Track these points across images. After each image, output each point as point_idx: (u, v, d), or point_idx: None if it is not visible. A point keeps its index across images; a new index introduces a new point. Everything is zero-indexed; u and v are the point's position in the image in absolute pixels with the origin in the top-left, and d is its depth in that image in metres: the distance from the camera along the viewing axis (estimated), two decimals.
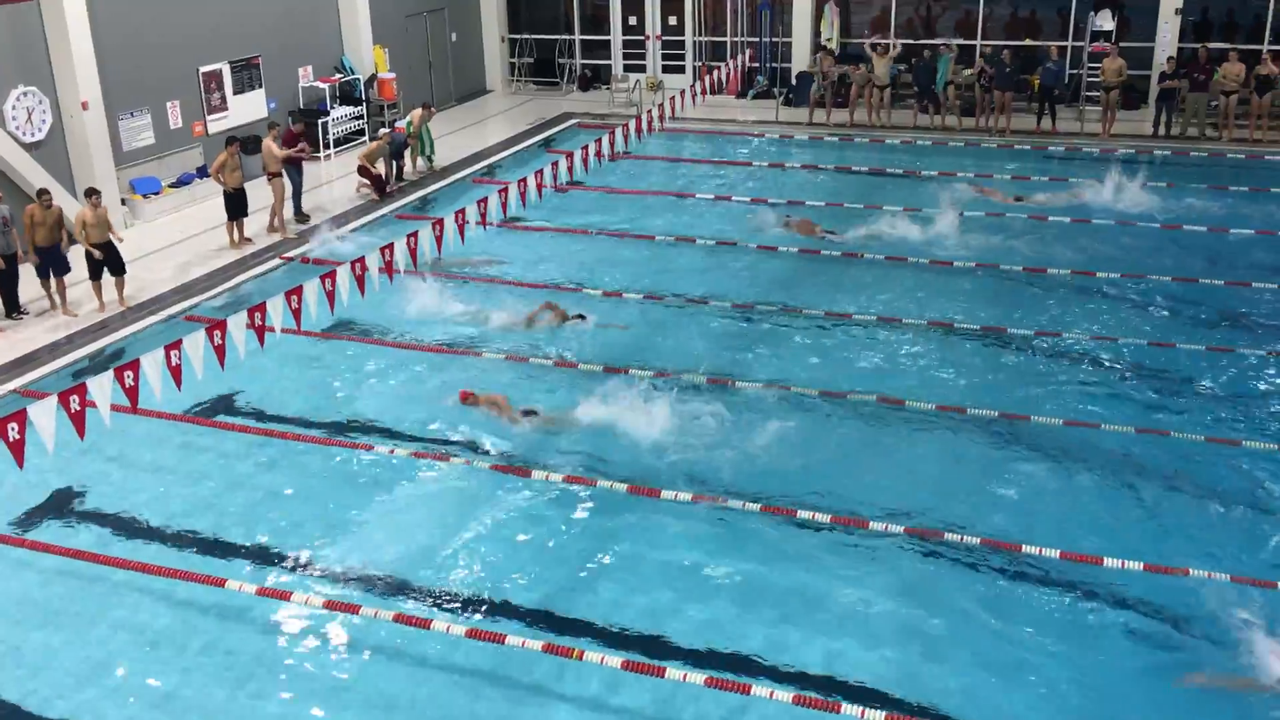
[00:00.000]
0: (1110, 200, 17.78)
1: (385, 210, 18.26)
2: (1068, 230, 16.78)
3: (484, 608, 8.75)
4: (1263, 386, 12.05)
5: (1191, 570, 8.71)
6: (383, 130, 20.03)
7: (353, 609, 8.58)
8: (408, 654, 8.26)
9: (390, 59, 23.47)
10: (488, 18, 27.38)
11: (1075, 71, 23.29)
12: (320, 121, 21.05)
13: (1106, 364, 12.61)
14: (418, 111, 20.44)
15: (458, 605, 8.78)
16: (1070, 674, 7.95)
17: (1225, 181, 19.04)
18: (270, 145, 16.87)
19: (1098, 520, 9.68)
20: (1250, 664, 7.82)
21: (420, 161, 20.51)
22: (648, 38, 27.07)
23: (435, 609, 8.71)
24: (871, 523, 9.49)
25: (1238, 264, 15.43)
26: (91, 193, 14.04)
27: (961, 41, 24.21)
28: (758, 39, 26.12)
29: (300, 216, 17.70)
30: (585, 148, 16.76)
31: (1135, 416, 11.33)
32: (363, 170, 18.83)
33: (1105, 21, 22.70)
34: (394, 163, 19.64)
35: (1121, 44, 22.22)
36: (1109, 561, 8.83)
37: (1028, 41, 23.67)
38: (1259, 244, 16.17)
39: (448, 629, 8.29)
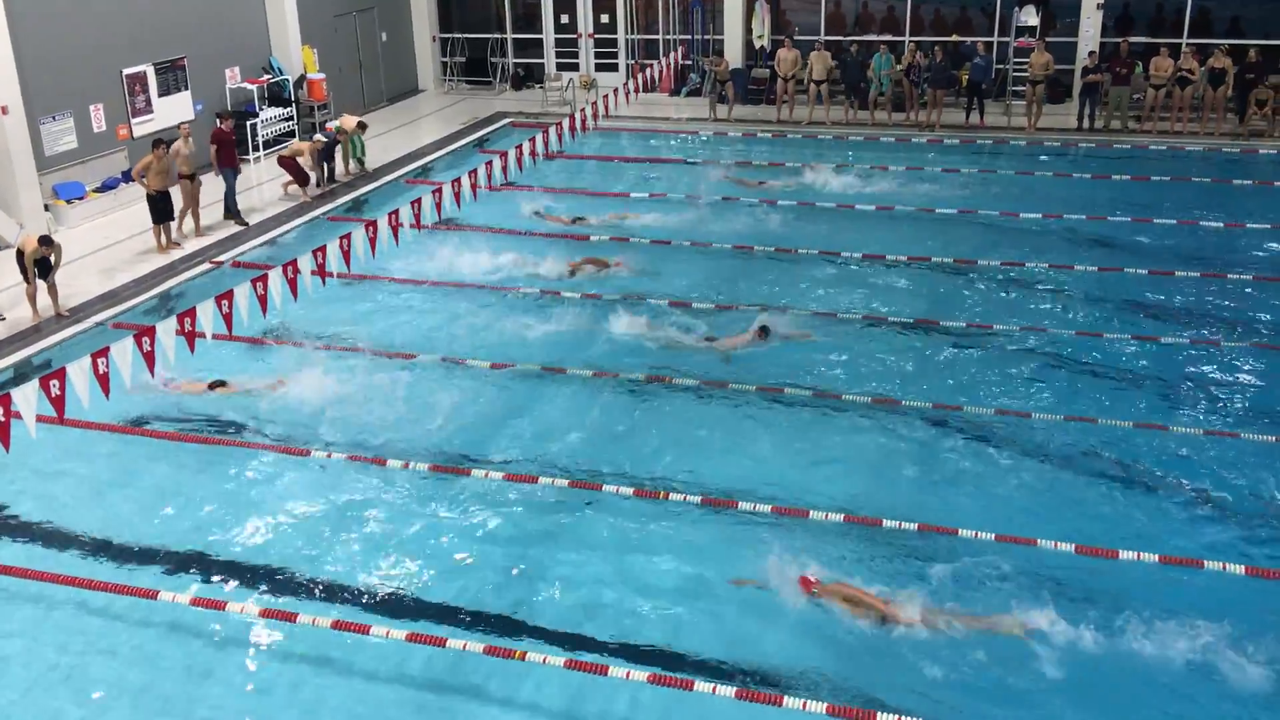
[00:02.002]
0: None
1: (318, 212, 18.04)
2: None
3: (424, 611, 8.66)
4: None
5: (1121, 552, 8.91)
6: (318, 136, 19.74)
7: (289, 616, 8.48)
8: (347, 661, 8.18)
9: (319, 59, 23.21)
10: (418, 17, 27.16)
11: (1002, 66, 23.69)
12: (249, 123, 20.73)
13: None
14: (351, 119, 20.23)
15: (397, 609, 8.69)
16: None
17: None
18: (179, 146, 16.52)
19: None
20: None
21: (351, 164, 20.29)
22: (580, 36, 27.05)
23: (373, 614, 8.61)
24: (812, 513, 9.58)
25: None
26: (47, 241, 13.70)
27: (890, 38, 24.51)
28: (690, 37, 26.22)
29: (238, 219, 17.43)
30: (519, 147, 16.70)
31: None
32: (284, 161, 18.53)
33: (1030, 17, 23.14)
34: (324, 165, 19.42)
35: (1046, 39, 22.64)
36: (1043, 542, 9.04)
37: (955, 38, 24.03)
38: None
39: (387, 634, 8.22)
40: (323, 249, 12.24)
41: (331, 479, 10.45)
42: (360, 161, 20.36)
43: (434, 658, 8.08)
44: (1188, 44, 22.51)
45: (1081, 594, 8.57)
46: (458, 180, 14.77)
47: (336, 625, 8.31)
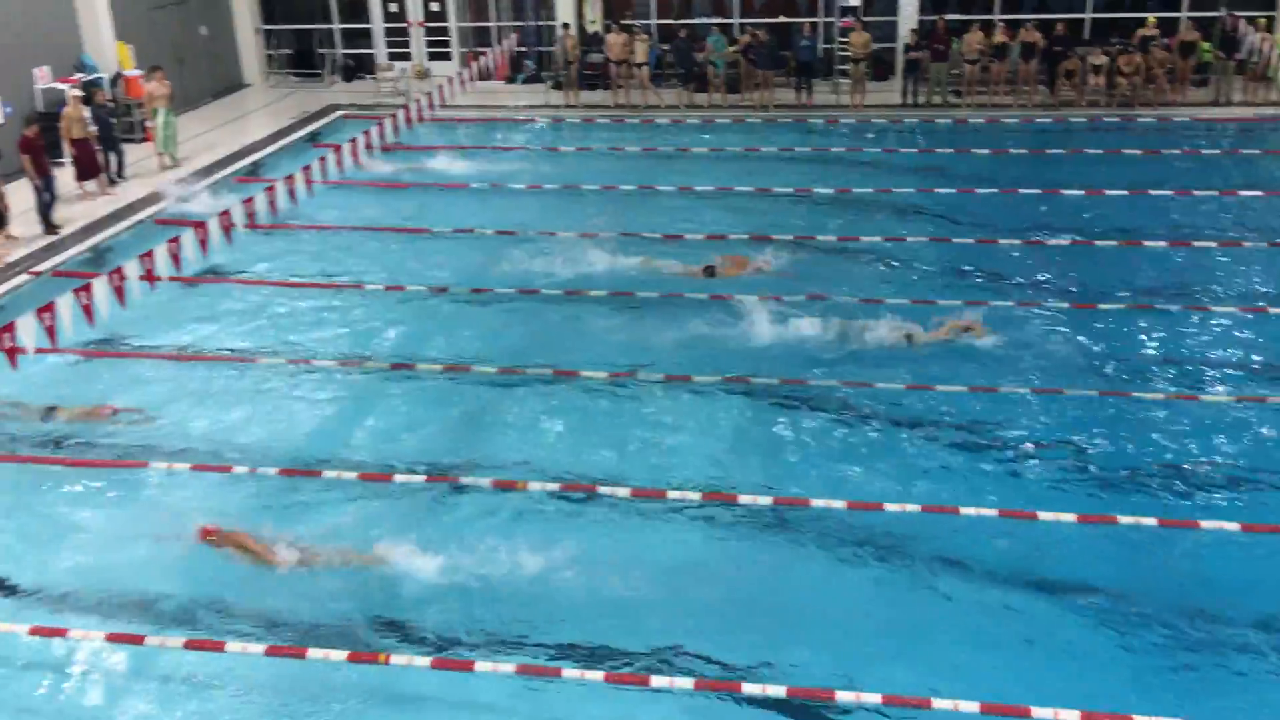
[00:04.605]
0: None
1: (143, 215, 17.29)
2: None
3: (287, 624, 8.44)
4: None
5: (961, 509, 9.32)
6: (75, 92, 18.52)
7: (137, 639, 8.13)
8: (211, 681, 7.95)
9: (136, 55, 22.20)
10: (239, 8, 26.23)
11: (828, 46, 24.34)
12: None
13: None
14: (151, 84, 19.28)
15: (265, 623, 8.43)
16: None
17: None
18: None
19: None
20: None
21: (165, 158, 19.47)
22: (410, 24, 26.61)
23: (228, 630, 8.37)
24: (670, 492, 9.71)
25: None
26: None
27: (721, 20, 24.88)
28: (522, 23, 26.08)
29: (48, 228, 16.56)
30: (354, 140, 16.39)
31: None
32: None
33: None
34: (111, 154, 18.58)
35: (869, 18, 23.35)
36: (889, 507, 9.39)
37: (782, 19, 24.58)
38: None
39: (243, 649, 7.96)
40: (150, 253, 11.82)
41: (187, 491, 10.08)
42: (172, 155, 19.50)
43: (295, 670, 7.91)
44: (999, 19, 23.57)
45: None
46: (291, 177, 14.43)
47: (189, 645, 8.04)
